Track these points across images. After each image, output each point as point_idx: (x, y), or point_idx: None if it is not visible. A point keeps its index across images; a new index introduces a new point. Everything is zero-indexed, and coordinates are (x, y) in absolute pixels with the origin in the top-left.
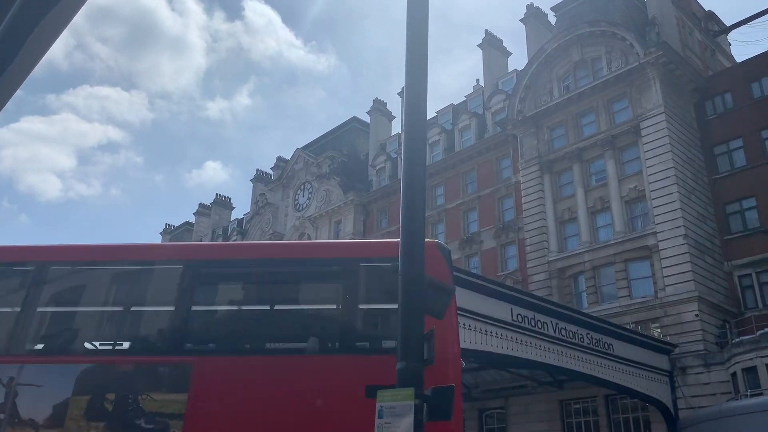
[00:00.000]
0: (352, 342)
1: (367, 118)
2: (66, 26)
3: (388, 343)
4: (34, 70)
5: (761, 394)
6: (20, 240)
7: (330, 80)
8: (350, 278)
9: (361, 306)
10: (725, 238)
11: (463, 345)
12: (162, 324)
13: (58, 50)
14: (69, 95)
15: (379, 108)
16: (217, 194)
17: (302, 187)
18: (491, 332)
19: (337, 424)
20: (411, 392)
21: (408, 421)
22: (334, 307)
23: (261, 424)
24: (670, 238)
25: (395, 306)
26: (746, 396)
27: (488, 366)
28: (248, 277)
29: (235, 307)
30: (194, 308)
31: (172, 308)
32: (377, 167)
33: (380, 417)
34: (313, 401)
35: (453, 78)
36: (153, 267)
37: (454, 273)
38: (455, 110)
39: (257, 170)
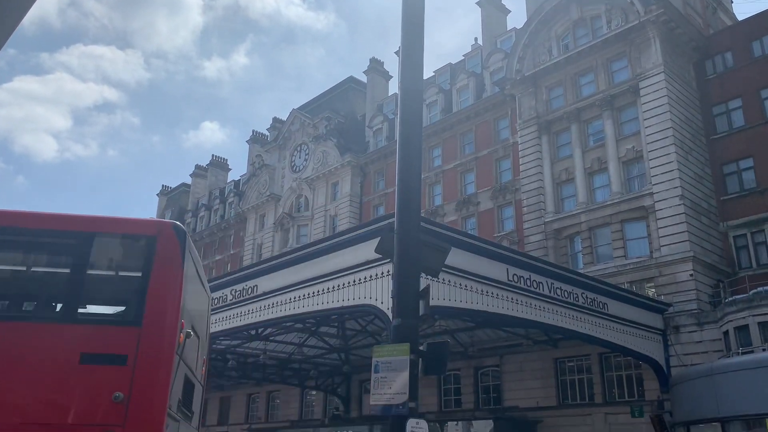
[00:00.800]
0: (72, 311)
1: (364, 78)
2: None
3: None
4: (26, 26)
5: (752, 351)
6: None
7: (329, 39)
8: (78, 251)
9: (88, 273)
10: (721, 198)
11: (458, 305)
12: None
13: (51, 7)
14: (63, 54)
15: (375, 68)
16: (213, 155)
17: (299, 148)
18: (487, 292)
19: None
20: (407, 347)
21: (404, 375)
22: (60, 275)
23: None
24: (666, 199)
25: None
26: (738, 354)
27: (484, 325)
28: None
29: None
30: None
31: None
32: (374, 128)
33: (376, 372)
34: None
35: (451, 37)
36: None
37: (450, 233)
38: (453, 70)
39: (253, 131)
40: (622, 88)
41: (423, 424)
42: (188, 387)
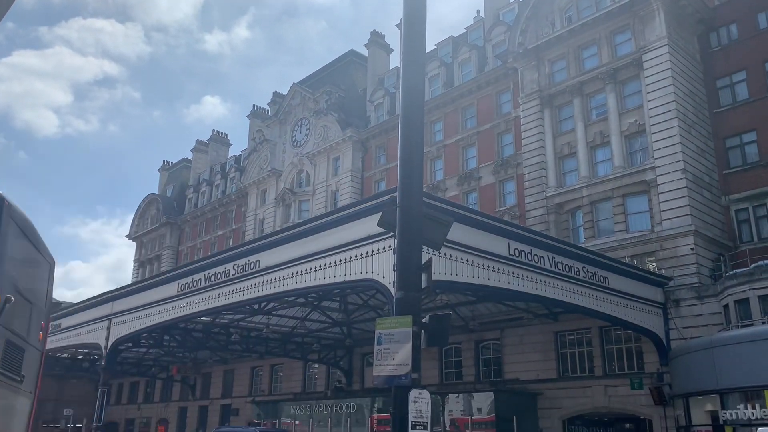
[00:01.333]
0: None
1: (365, 52)
2: None
3: None
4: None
5: (752, 325)
6: (21, 178)
7: (331, 12)
8: None
9: None
10: (724, 172)
11: (459, 279)
12: None
13: None
14: (62, 28)
15: (377, 41)
16: (214, 130)
17: (299, 123)
18: (488, 266)
19: None
20: (409, 320)
21: (406, 347)
22: None
23: None
24: (668, 173)
25: None
26: (737, 327)
27: (485, 299)
28: None
29: None
30: None
31: None
32: (375, 103)
33: (379, 343)
34: None
35: (453, 9)
36: None
37: (451, 208)
38: (455, 43)
39: (254, 106)
40: (626, 61)
41: (425, 394)
42: (13, 351)
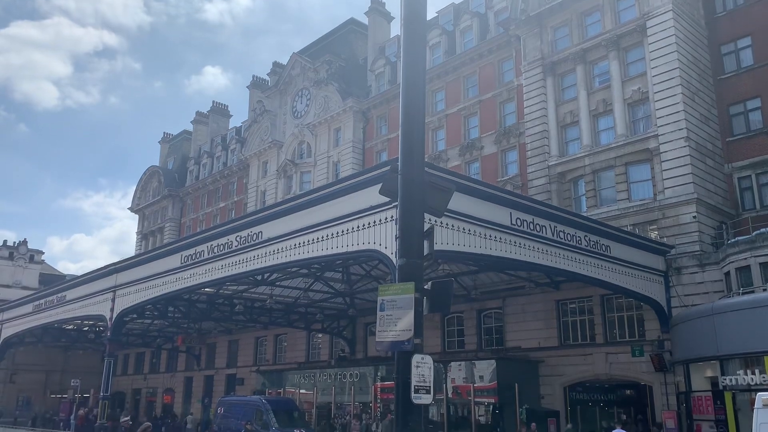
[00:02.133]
0: None
1: (365, 20)
2: None
3: None
4: None
5: (753, 292)
6: (22, 151)
7: None
8: None
9: None
10: (727, 140)
11: (461, 249)
12: None
13: None
14: None
15: (377, 8)
16: (213, 102)
17: (300, 93)
18: (490, 236)
19: None
20: (411, 286)
21: (409, 313)
22: None
23: None
24: (671, 141)
25: None
26: (738, 294)
27: (487, 269)
28: None
29: None
30: None
31: None
32: (376, 72)
33: (381, 310)
34: None
35: None
36: None
37: (453, 178)
38: (456, 10)
39: (254, 76)
40: (629, 27)
41: (428, 359)
42: None
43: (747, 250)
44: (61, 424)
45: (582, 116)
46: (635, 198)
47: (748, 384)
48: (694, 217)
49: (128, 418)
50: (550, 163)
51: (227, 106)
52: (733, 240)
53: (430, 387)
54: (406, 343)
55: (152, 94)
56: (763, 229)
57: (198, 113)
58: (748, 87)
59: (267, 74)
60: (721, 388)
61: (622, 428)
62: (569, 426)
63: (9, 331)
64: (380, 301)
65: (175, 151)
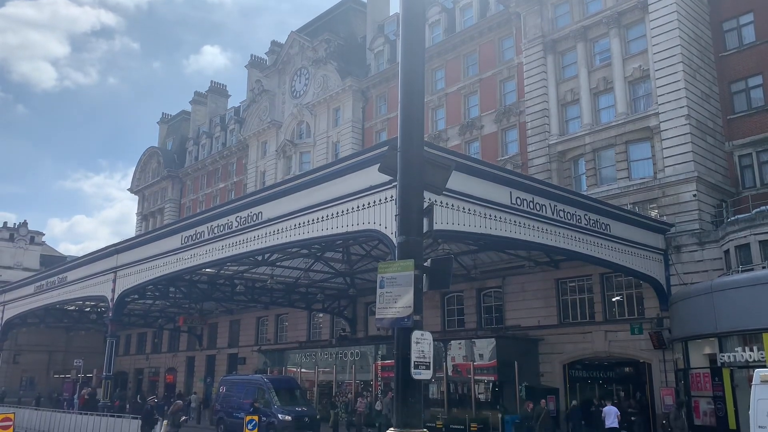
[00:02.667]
0: None
1: None
2: None
3: None
4: None
5: (752, 270)
6: (21, 132)
7: None
8: None
9: None
10: (728, 117)
11: (461, 228)
12: None
13: None
14: None
15: None
16: (212, 81)
17: (298, 72)
18: (490, 215)
19: None
20: (411, 263)
21: (409, 290)
22: None
23: None
24: (672, 119)
25: None
26: (738, 272)
27: (487, 248)
28: None
29: None
30: None
31: None
32: (375, 50)
33: (381, 287)
34: None
35: None
36: None
37: (453, 158)
38: None
39: (252, 56)
40: (631, 4)
41: (427, 335)
42: None
43: (746, 228)
44: (65, 403)
45: (582, 94)
46: (635, 177)
47: (746, 361)
48: (694, 195)
49: (154, 396)
50: (550, 142)
51: (226, 86)
52: (732, 218)
53: (429, 363)
54: (406, 320)
55: (151, 74)
56: (762, 207)
57: (196, 93)
58: (749, 64)
59: (265, 53)
60: (719, 365)
61: (612, 405)
62: (575, 402)
63: (11, 312)
64: (380, 278)
65: (173, 131)
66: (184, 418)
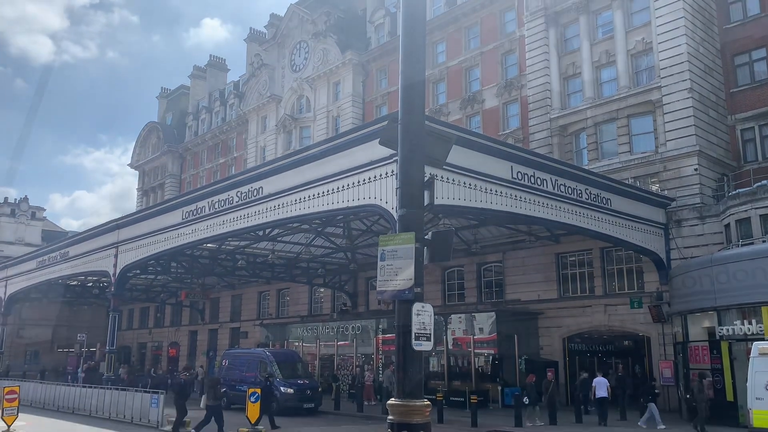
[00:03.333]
0: None
1: None
2: None
3: None
4: None
5: (753, 243)
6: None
7: None
8: None
9: None
10: (731, 91)
11: (462, 203)
12: None
13: None
14: None
15: None
16: (211, 56)
17: (298, 46)
18: (490, 190)
19: None
20: (411, 236)
21: (409, 263)
22: None
23: None
24: (674, 92)
25: None
26: (738, 246)
27: (487, 223)
28: None
29: None
30: None
31: None
32: (376, 23)
33: (382, 260)
34: None
35: None
36: None
37: (454, 132)
38: None
39: (251, 29)
40: None
41: (428, 307)
42: None
43: (747, 202)
44: (69, 377)
45: (584, 68)
46: (637, 151)
47: (745, 334)
48: (696, 169)
49: (185, 370)
50: (551, 116)
51: (225, 60)
52: (733, 192)
53: (430, 334)
54: (407, 292)
55: (150, 48)
56: (764, 181)
57: (196, 68)
58: (754, 37)
59: (264, 27)
60: (717, 338)
61: (602, 376)
62: (585, 374)
63: (14, 287)
64: (381, 251)
65: (173, 106)
66: (224, 389)
